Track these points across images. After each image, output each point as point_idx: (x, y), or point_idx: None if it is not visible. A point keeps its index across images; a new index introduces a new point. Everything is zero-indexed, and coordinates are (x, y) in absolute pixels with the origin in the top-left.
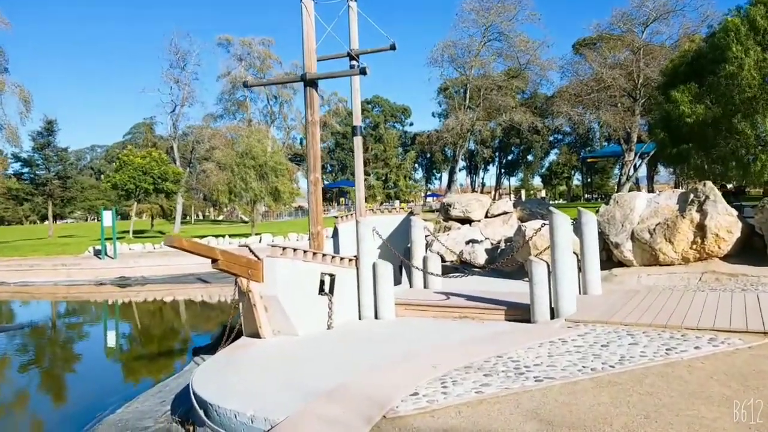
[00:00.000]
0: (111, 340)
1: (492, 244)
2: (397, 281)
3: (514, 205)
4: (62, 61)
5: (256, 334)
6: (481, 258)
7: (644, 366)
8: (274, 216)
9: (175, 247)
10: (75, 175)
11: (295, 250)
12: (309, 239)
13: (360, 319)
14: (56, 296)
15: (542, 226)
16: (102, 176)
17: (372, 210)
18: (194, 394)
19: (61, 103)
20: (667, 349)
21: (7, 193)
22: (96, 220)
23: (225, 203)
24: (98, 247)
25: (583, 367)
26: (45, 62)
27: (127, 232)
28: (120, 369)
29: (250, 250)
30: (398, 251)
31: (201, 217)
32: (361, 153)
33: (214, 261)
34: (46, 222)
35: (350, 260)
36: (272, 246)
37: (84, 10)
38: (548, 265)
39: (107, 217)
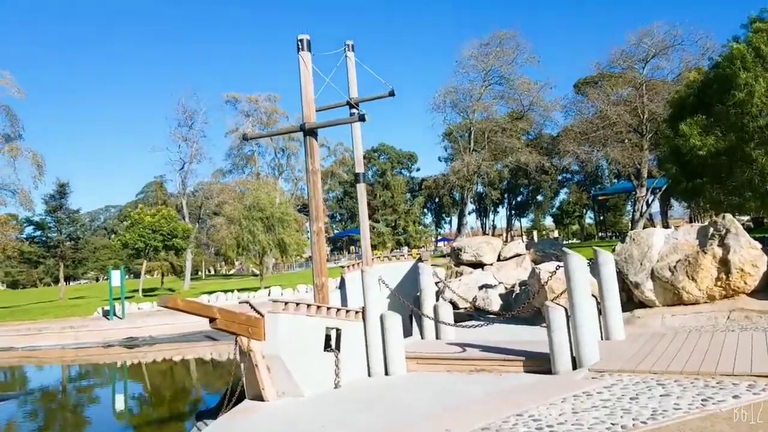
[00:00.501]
0: (115, 404)
1: (506, 288)
2: (408, 332)
3: (527, 247)
4: (73, 122)
5: (259, 397)
6: (495, 304)
7: (680, 421)
8: (285, 268)
9: (169, 308)
10: (89, 235)
11: (297, 304)
12: (314, 291)
13: (369, 375)
14: (63, 360)
15: (557, 269)
16: (113, 236)
17: (380, 258)
18: None
19: (73, 164)
20: (702, 400)
21: (20, 256)
22: (98, 280)
23: (233, 257)
24: (107, 307)
25: (612, 424)
26: (56, 124)
27: (137, 290)
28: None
29: (251, 306)
30: (407, 300)
31: (213, 273)
32: (365, 200)
33: (211, 320)
34: (60, 284)
35: (357, 312)
36: (274, 301)
37: (93, 69)
38: (566, 311)
39: (115, 276)
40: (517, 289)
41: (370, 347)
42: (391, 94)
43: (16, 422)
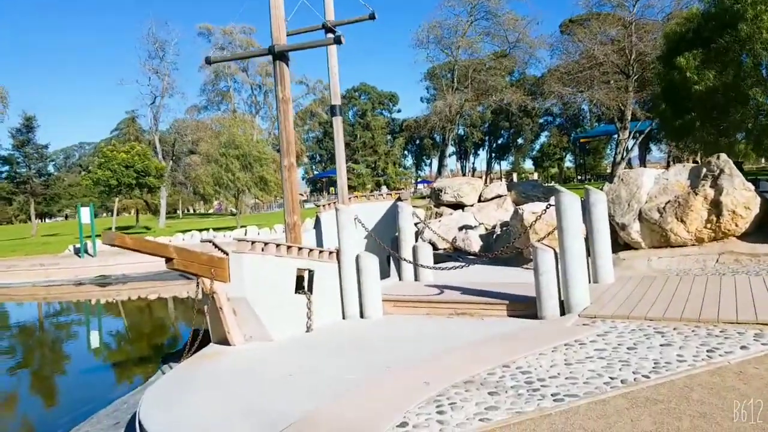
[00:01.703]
0: (79, 346)
1: (487, 229)
2: (386, 274)
3: (509, 188)
4: (41, 56)
5: (225, 341)
6: (475, 245)
7: (686, 375)
8: (265, 208)
9: (116, 246)
10: (64, 172)
11: (265, 243)
12: (285, 231)
13: (344, 318)
14: (35, 297)
15: (548, 208)
16: (82, 173)
17: (357, 197)
18: (140, 425)
19: (44, 101)
20: (708, 351)
21: None
22: (66, 218)
23: (210, 195)
24: (79, 245)
25: (611, 378)
26: (22, 58)
27: (110, 228)
28: (81, 380)
29: (215, 245)
30: (385, 241)
31: (191, 212)
32: (341, 135)
33: (167, 260)
34: (32, 221)
35: (330, 253)
36: (238, 240)
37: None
38: (556, 253)
39: (85, 213)
40: (498, 231)
41: (345, 289)
42: (372, 17)
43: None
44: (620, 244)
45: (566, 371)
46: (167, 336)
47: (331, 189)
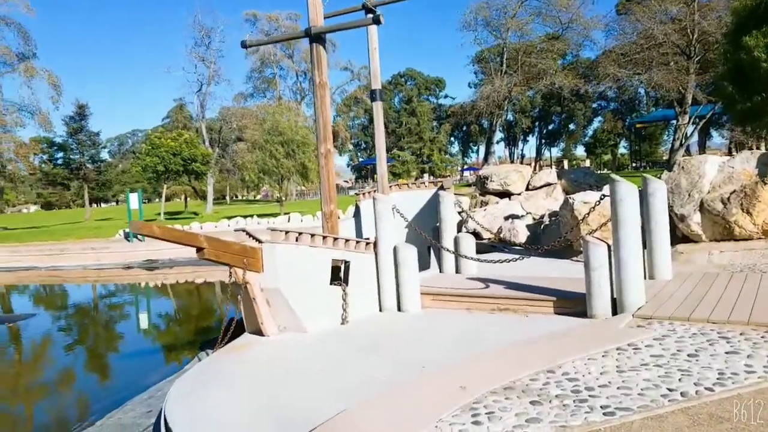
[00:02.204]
0: (125, 328)
1: (534, 219)
2: (426, 265)
3: (559, 176)
4: (93, 43)
5: (258, 331)
6: (522, 235)
7: (756, 389)
8: (310, 195)
9: (144, 235)
10: (118, 159)
11: (300, 233)
12: (322, 220)
13: (381, 311)
14: (86, 280)
15: (602, 198)
16: (132, 159)
17: (398, 185)
18: (164, 419)
19: (96, 88)
20: None
21: (45, 178)
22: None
23: (254, 181)
24: (127, 230)
25: (669, 390)
26: (75, 46)
27: (158, 214)
28: (123, 364)
29: (248, 234)
30: (426, 231)
31: (238, 198)
32: (381, 119)
33: (198, 250)
34: (86, 206)
35: (367, 244)
36: (272, 230)
37: None
38: (609, 247)
39: (133, 199)
40: (546, 221)
41: (382, 281)
42: None
43: (51, 336)
44: (678, 236)
45: (618, 380)
46: (210, 320)
47: (375, 176)
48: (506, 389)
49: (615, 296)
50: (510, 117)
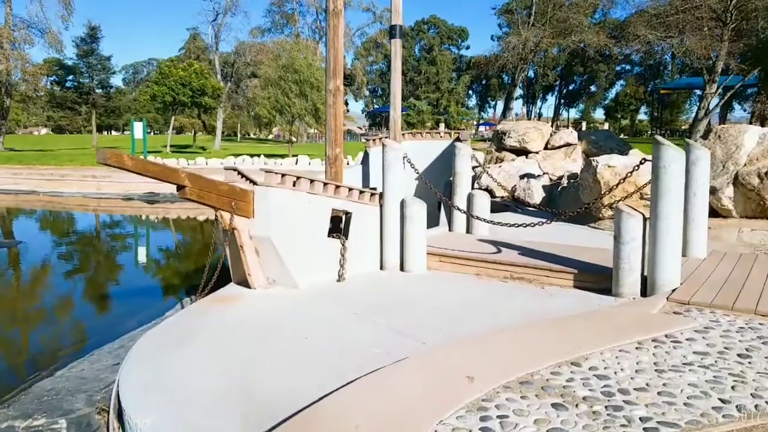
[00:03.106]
0: (110, 266)
1: (551, 180)
2: (435, 222)
3: (579, 137)
4: None
5: (245, 282)
6: (537, 196)
7: None
8: (322, 138)
9: (111, 166)
10: (132, 87)
11: (298, 178)
12: (325, 165)
13: (382, 269)
14: (86, 209)
15: (643, 163)
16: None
17: (411, 134)
18: (117, 384)
19: (116, 14)
20: None
21: (52, 100)
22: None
23: (266, 118)
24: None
25: (722, 401)
26: None
27: (165, 146)
28: (101, 305)
29: (240, 174)
30: (438, 185)
31: (250, 136)
32: (399, 59)
33: (179, 188)
34: (94, 132)
35: (372, 195)
36: (266, 171)
37: None
38: (644, 218)
39: (137, 128)
40: (564, 182)
41: (386, 237)
42: None
43: (34, 268)
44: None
45: (658, 382)
46: (206, 262)
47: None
48: (522, 384)
49: (645, 274)
50: (531, 74)
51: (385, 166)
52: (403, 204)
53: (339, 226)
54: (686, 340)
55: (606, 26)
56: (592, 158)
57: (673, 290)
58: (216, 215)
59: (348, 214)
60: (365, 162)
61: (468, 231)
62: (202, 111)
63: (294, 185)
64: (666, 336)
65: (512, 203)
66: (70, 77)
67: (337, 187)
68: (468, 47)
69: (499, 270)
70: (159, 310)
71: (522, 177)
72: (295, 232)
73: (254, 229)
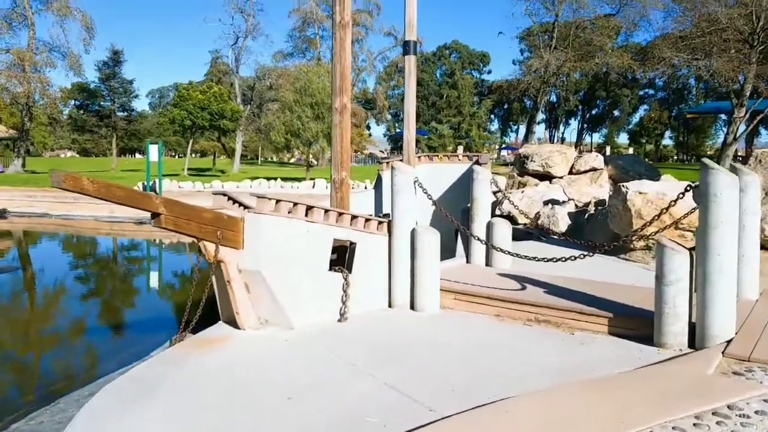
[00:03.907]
0: (108, 295)
1: (577, 206)
2: (451, 253)
3: (606, 162)
4: None
5: (234, 321)
6: (562, 223)
7: None
8: None
9: (66, 190)
10: (158, 112)
11: (295, 204)
12: (330, 190)
13: (390, 306)
14: (98, 232)
15: (688, 190)
16: (159, 111)
17: (428, 156)
18: None
19: (144, 40)
20: None
21: (73, 124)
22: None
23: (281, 143)
24: (151, 182)
25: None
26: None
27: (183, 169)
28: (86, 341)
29: (230, 199)
30: (455, 212)
31: (271, 160)
32: (414, 77)
33: (153, 215)
34: (113, 155)
35: (380, 223)
36: (259, 196)
37: None
38: (691, 255)
39: (153, 151)
40: (591, 209)
41: (394, 271)
42: None
43: (23, 295)
44: None
45: None
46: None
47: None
48: None
49: (694, 320)
50: (553, 98)
51: (394, 192)
52: (413, 234)
53: (343, 258)
54: (755, 413)
55: (628, 50)
56: (621, 184)
57: (729, 342)
58: (199, 247)
59: (352, 245)
60: (378, 186)
61: (487, 264)
62: (222, 134)
63: (290, 212)
64: (729, 407)
65: (535, 231)
66: (92, 101)
67: (340, 214)
68: (490, 72)
69: (522, 311)
70: (147, 346)
71: (546, 203)
72: (290, 265)
73: (244, 261)
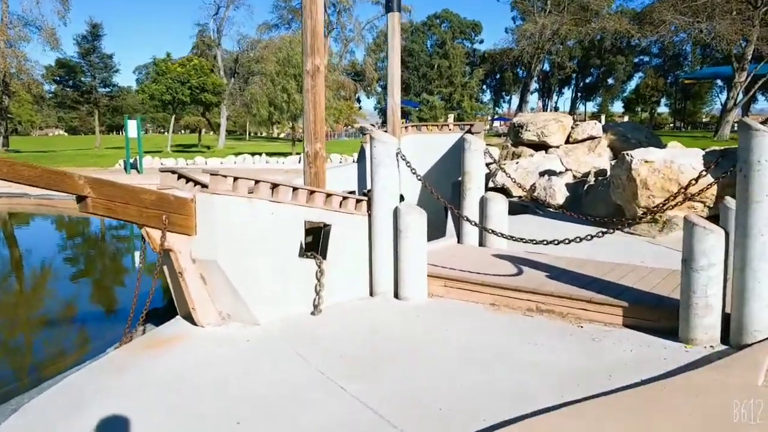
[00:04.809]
0: (82, 280)
1: (575, 177)
2: (440, 231)
3: (604, 129)
4: None
5: (191, 316)
6: (559, 195)
7: None
8: (334, 136)
9: None
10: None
11: (257, 181)
12: (303, 164)
13: (371, 295)
14: (74, 212)
15: (720, 159)
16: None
17: (415, 126)
18: None
19: (128, 13)
20: None
21: (53, 99)
22: (145, 132)
23: (264, 117)
24: (131, 160)
25: None
26: None
27: (167, 145)
28: (41, 334)
29: (182, 177)
30: (444, 186)
31: (260, 135)
32: (398, 36)
33: (79, 199)
34: (115, 132)
35: (358, 201)
36: (212, 174)
37: None
38: (726, 235)
39: (132, 127)
40: (591, 180)
41: (375, 255)
42: None
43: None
44: None
45: None
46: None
47: (403, 121)
48: None
49: (728, 310)
50: (546, 67)
51: (373, 165)
52: (396, 213)
53: (313, 243)
54: None
55: (624, 16)
56: (625, 152)
57: None
58: (142, 234)
59: (326, 227)
60: (361, 159)
61: (481, 243)
62: (206, 109)
63: (251, 192)
64: None
65: (531, 204)
66: (72, 76)
67: (311, 192)
68: (482, 41)
69: (521, 299)
70: (105, 342)
71: (542, 174)
72: (252, 252)
73: (197, 249)
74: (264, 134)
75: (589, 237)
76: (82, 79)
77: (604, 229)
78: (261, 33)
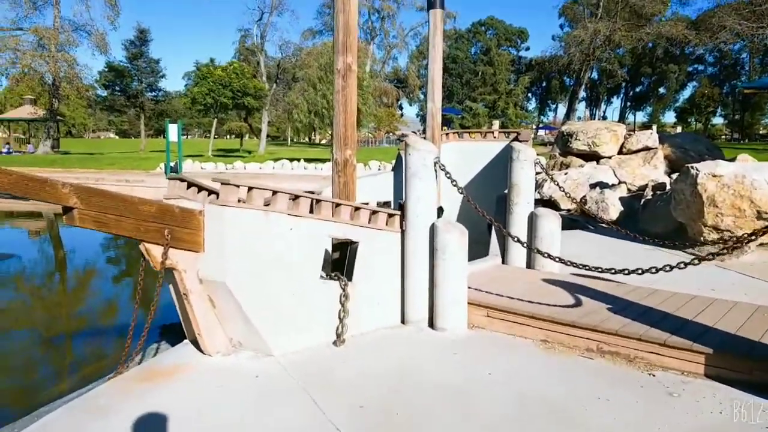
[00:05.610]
0: (87, 295)
1: (630, 190)
2: (484, 251)
3: (660, 140)
4: None
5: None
6: (613, 210)
7: None
8: (374, 143)
9: None
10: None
11: (275, 192)
12: (332, 172)
13: (403, 323)
14: None
15: None
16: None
17: (456, 133)
18: None
19: (178, 21)
20: None
21: (102, 103)
22: (186, 137)
23: (302, 122)
24: (172, 163)
25: None
26: None
27: (209, 150)
28: (43, 354)
29: (192, 185)
30: (487, 201)
31: (303, 141)
32: (440, 36)
33: (65, 210)
34: (142, 136)
35: (391, 216)
36: (223, 183)
37: None
38: None
39: (172, 131)
40: (648, 194)
41: (409, 277)
42: None
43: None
44: None
45: None
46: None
47: (444, 128)
48: None
49: None
50: (595, 75)
51: (408, 176)
52: (433, 229)
53: (339, 263)
54: None
55: (680, 22)
56: (689, 165)
57: None
58: (143, 252)
59: (353, 245)
60: (397, 167)
61: (529, 265)
62: (248, 113)
63: (267, 204)
64: None
65: (581, 219)
66: (120, 81)
67: (337, 205)
68: (528, 48)
69: (579, 336)
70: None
71: (593, 186)
72: (267, 273)
73: (204, 269)
74: (305, 140)
75: (667, 268)
76: (130, 83)
77: (686, 260)
78: (305, 39)
